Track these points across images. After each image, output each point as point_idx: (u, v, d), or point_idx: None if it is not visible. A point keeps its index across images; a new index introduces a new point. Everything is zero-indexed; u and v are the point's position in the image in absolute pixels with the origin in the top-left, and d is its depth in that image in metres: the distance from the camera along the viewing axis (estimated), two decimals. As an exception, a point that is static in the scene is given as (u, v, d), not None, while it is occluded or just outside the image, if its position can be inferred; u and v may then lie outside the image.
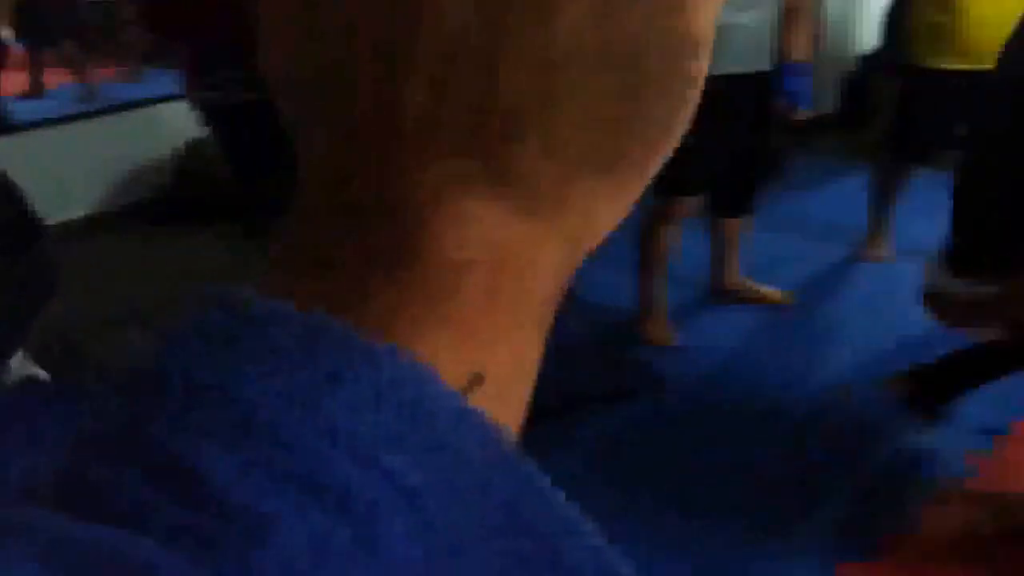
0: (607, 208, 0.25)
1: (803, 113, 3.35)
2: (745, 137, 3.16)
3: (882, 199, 3.89)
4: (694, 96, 0.25)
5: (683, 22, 0.24)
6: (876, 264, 3.90)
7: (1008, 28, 3.55)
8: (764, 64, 3.03)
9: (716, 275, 3.59)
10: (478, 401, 0.22)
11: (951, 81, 3.57)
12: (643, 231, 3.19)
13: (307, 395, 0.20)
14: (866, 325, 3.47)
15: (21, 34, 4.94)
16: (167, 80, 4.03)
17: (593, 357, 3.11)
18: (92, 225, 4.46)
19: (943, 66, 3.58)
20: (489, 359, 0.23)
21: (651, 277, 3.26)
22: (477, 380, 0.23)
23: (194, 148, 4.47)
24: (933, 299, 2.41)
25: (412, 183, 0.23)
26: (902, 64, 3.78)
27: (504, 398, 0.24)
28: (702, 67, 0.25)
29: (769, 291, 3.58)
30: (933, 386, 2.76)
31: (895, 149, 3.88)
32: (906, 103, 3.79)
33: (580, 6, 0.23)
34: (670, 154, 0.25)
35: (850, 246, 3.96)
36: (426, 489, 0.20)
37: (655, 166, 0.25)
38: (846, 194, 4.12)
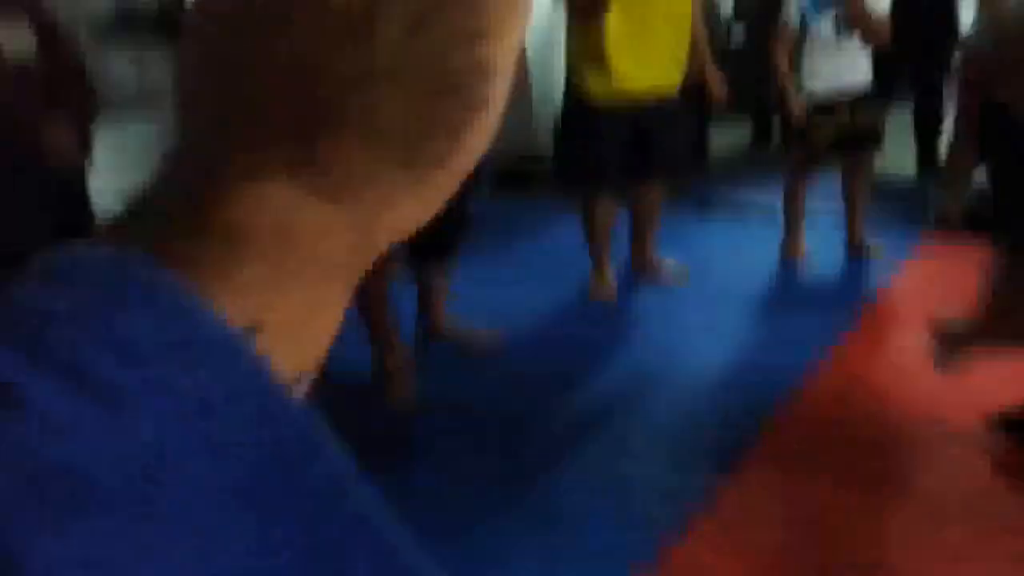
0: (405, 202, 0.29)
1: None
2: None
3: (595, 236, 3.96)
4: (486, 115, 0.29)
5: (480, 50, 0.28)
6: (603, 303, 3.97)
7: (654, 63, 3.64)
8: None
9: (425, 322, 3.56)
10: (258, 346, 0.26)
11: (607, 116, 3.69)
12: (359, 290, 3.06)
13: (92, 311, 0.25)
14: (589, 365, 3.51)
15: None
16: None
17: (340, 427, 2.95)
18: None
19: (595, 101, 3.70)
20: (268, 315, 0.27)
21: (381, 334, 3.14)
22: (255, 328, 0.26)
23: None
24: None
25: (232, 165, 0.27)
26: (569, 101, 3.85)
27: (282, 349, 0.27)
28: (495, 91, 0.29)
29: (479, 333, 3.56)
30: None
31: (571, 185, 3.96)
32: (569, 139, 3.88)
33: (393, 30, 0.27)
34: (468, 166, 0.30)
35: (574, 287, 4.02)
36: (180, 387, 0.24)
37: (450, 174, 0.29)
38: (569, 236, 4.17)
